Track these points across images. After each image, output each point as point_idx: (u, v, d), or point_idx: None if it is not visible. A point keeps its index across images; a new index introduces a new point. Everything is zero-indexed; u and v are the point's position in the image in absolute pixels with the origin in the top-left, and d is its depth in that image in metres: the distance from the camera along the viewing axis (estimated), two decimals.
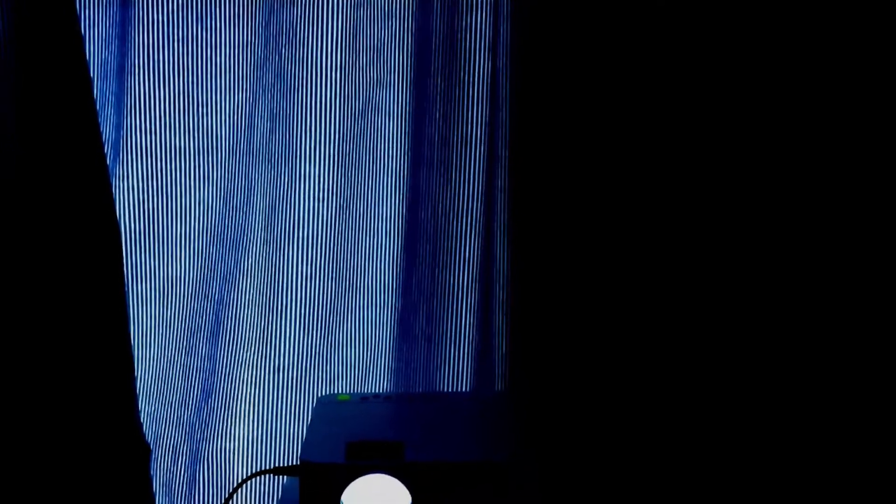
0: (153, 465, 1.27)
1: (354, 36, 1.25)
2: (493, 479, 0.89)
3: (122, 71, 1.24)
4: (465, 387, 1.28)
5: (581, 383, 1.22)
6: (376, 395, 1.16)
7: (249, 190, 1.27)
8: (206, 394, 1.30)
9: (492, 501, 0.90)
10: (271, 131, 1.26)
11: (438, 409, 1.08)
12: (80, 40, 1.14)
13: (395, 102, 1.25)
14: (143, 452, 1.23)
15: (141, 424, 1.24)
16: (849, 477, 1.07)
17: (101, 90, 1.24)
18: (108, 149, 1.23)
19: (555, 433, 1.12)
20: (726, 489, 1.13)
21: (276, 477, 1.26)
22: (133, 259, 1.28)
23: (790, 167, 1.17)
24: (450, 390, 1.26)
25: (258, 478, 1.26)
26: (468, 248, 1.27)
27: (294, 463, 1.07)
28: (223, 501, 1.09)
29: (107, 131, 1.24)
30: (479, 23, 1.23)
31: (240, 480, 1.08)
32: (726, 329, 1.19)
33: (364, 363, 1.30)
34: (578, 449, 1.13)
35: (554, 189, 1.25)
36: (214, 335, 1.30)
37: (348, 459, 0.90)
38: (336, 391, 1.28)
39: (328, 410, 1.05)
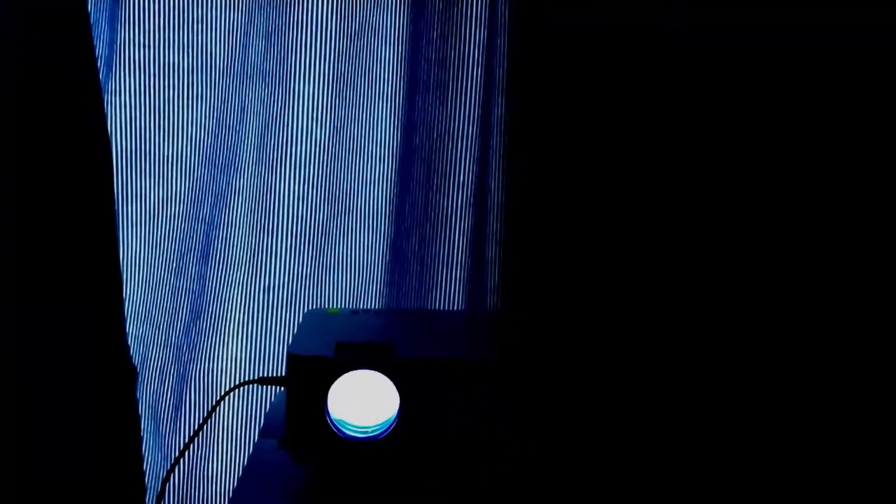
0: (140, 386, 1.26)
1: None
2: (484, 378, 0.88)
3: None
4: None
5: (573, 310, 1.21)
6: (367, 310, 1.15)
7: (243, 109, 1.26)
8: (195, 315, 1.29)
9: (480, 401, 0.89)
10: (266, 49, 1.25)
11: (429, 320, 1.07)
12: None
13: (392, 22, 1.24)
14: (129, 374, 1.22)
15: (128, 346, 1.22)
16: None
17: (96, 4, 1.22)
18: (100, 64, 1.21)
19: (545, 344, 1.11)
20: (707, 430, 1.13)
21: (262, 392, 1.26)
22: (124, 178, 1.27)
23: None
24: None
25: (245, 394, 1.26)
26: (463, 173, 1.26)
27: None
28: (208, 412, 1.08)
29: (100, 47, 1.23)
30: None
31: (225, 391, 1.07)
32: (711, 264, 1.19)
33: (355, 285, 1.29)
34: (567, 362, 1.12)
35: (550, 117, 1.24)
36: (205, 256, 1.29)
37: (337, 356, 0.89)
38: None
39: (317, 320, 1.04)
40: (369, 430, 0.90)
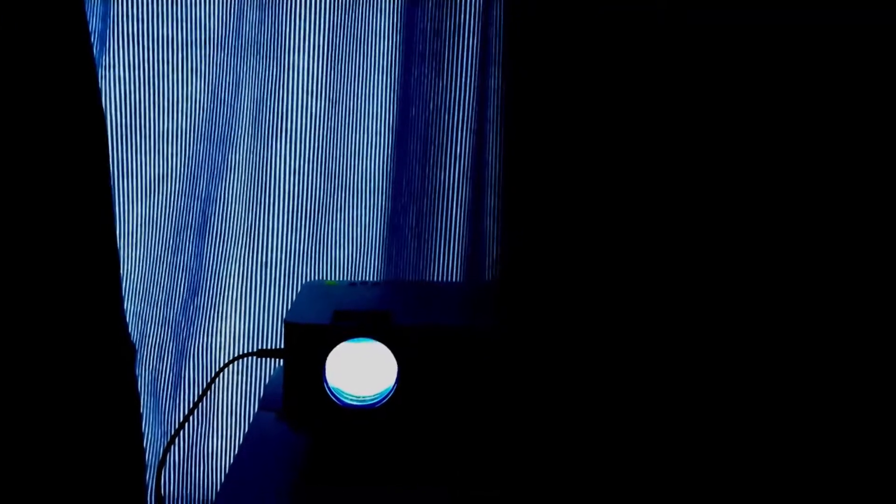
0: (139, 364, 1.26)
1: None
2: (482, 346, 0.88)
3: None
4: None
5: (572, 283, 1.21)
6: (364, 282, 1.15)
7: (237, 82, 1.25)
8: (193, 292, 1.29)
9: (479, 369, 0.88)
10: (260, 22, 1.24)
11: (427, 290, 1.07)
12: None
13: None
14: (128, 352, 1.21)
15: (126, 324, 1.22)
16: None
17: None
18: (94, 39, 1.20)
19: (544, 316, 1.11)
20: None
21: (261, 367, 1.25)
22: (119, 155, 1.26)
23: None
24: None
25: (244, 368, 1.26)
26: (459, 146, 1.25)
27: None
28: (207, 384, 1.08)
29: (93, 21, 1.22)
30: None
31: (223, 364, 1.07)
32: (713, 245, 1.18)
33: (353, 260, 1.29)
34: (566, 330, 1.12)
35: (548, 87, 1.23)
36: (201, 233, 1.28)
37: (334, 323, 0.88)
38: None
39: (315, 291, 1.04)
40: (367, 398, 0.89)
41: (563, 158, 1.23)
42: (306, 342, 0.86)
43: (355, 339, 0.87)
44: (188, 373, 1.29)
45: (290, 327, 0.87)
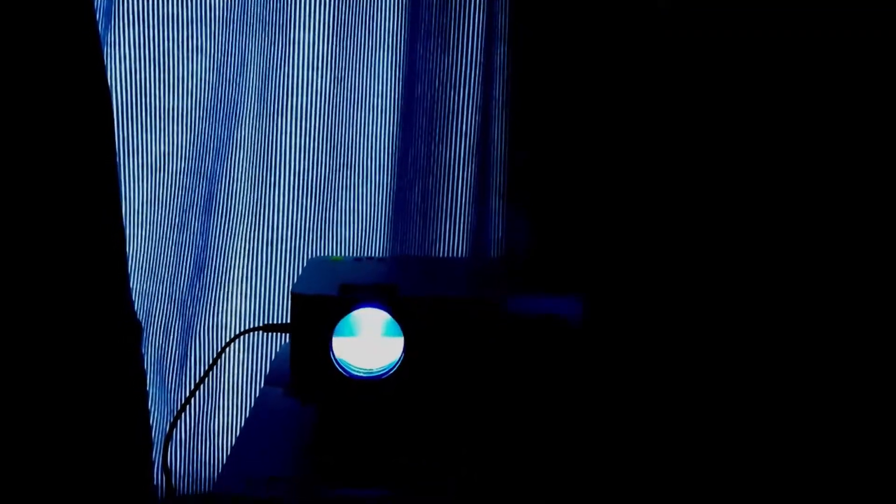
0: (145, 341, 1.26)
1: None
2: (489, 318, 0.88)
3: None
4: None
5: (577, 260, 1.21)
6: (370, 258, 1.15)
7: (243, 60, 1.25)
8: (199, 268, 1.29)
9: (485, 341, 0.88)
10: None
11: (433, 265, 1.07)
12: None
13: None
14: (134, 330, 1.21)
15: (132, 301, 1.22)
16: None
17: None
18: (99, 16, 1.20)
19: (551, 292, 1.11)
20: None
21: (267, 344, 1.26)
22: (125, 132, 1.26)
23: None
24: None
25: (250, 345, 1.26)
26: (465, 122, 1.25)
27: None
28: (213, 358, 1.08)
29: None
30: None
31: (229, 339, 1.07)
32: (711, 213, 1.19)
33: (358, 237, 1.29)
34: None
35: (553, 63, 1.23)
36: (207, 209, 1.28)
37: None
38: None
39: (321, 266, 1.04)
40: (374, 370, 0.89)
41: (568, 136, 1.23)
42: (313, 313, 0.87)
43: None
44: (194, 350, 1.29)
45: (297, 298, 0.87)
